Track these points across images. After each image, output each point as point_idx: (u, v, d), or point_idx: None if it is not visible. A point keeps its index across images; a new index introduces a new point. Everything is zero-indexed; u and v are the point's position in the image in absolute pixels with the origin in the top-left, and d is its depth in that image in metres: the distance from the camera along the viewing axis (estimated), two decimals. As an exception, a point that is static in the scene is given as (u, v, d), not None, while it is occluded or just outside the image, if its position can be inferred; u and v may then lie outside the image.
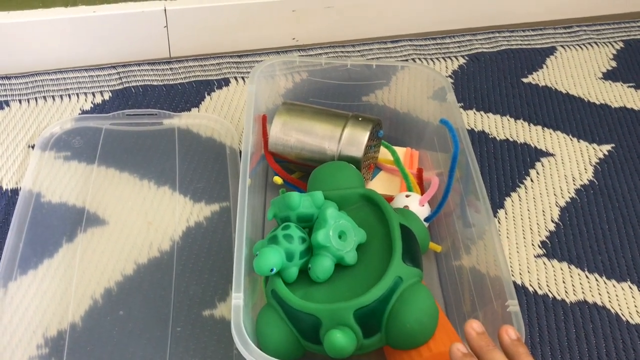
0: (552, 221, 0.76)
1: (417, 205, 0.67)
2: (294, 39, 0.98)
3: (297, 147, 0.72)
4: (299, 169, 0.76)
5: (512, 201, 0.78)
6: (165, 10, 0.89)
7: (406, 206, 0.67)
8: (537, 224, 0.75)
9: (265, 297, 0.60)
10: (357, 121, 0.71)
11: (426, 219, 0.68)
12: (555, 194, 0.79)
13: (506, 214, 0.76)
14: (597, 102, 0.92)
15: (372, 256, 0.58)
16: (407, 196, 0.68)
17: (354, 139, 0.70)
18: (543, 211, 0.77)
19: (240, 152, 0.78)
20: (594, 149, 0.85)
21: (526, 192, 0.79)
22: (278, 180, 0.73)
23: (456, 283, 0.65)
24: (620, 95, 0.93)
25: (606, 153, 0.85)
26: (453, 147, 0.67)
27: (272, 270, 0.55)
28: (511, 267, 0.70)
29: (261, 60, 0.94)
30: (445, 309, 0.65)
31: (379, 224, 0.59)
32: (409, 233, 0.59)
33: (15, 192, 0.74)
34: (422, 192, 0.73)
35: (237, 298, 0.52)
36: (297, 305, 0.54)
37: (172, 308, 0.63)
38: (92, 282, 0.65)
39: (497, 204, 0.77)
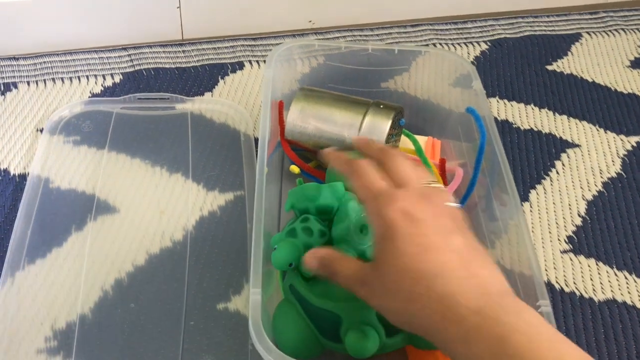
0: (579, 215, 0.73)
1: (441, 198, 0.64)
2: (310, 21, 0.95)
3: (315, 135, 0.69)
4: (316, 158, 0.73)
5: (537, 194, 0.75)
6: (178, -10, 0.86)
7: (429, 198, 0.64)
8: (563, 218, 0.72)
9: (282, 291, 0.57)
10: (378, 109, 0.68)
11: (450, 212, 0.65)
12: (581, 187, 0.76)
13: (531, 207, 0.73)
14: (625, 92, 0.89)
15: None
16: (430, 188, 0.65)
17: (375, 128, 0.67)
18: (569, 205, 0.74)
19: (256, 139, 0.75)
20: (621, 140, 0.82)
21: (551, 185, 0.76)
22: (295, 169, 0.71)
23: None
24: (648, 85, 0.90)
25: (634, 145, 0.81)
26: (480, 137, 0.64)
27: (290, 265, 0.53)
28: (536, 262, 0.68)
29: (277, 44, 0.91)
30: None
31: None
32: None
33: (23, 177, 0.71)
34: (445, 184, 0.70)
35: (256, 294, 0.49)
36: (317, 302, 0.52)
37: (185, 301, 0.61)
38: (102, 273, 0.63)
39: (521, 197, 0.74)
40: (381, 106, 0.68)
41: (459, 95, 0.73)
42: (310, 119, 0.69)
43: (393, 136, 0.71)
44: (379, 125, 0.67)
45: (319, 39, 0.93)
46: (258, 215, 0.54)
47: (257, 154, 0.67)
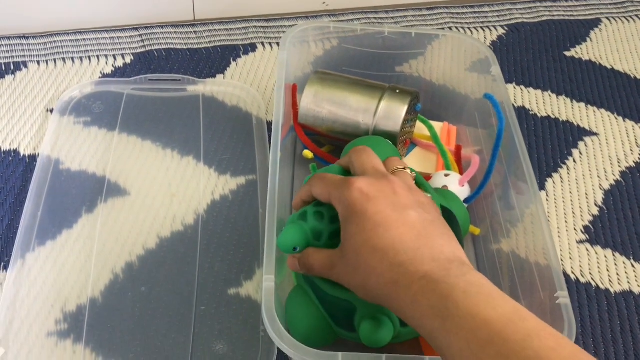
0: (596, 205, 0.71)
1: (457, 186, 0.63)
2: (324, 3, 0.93)
3: (329, 120, 0.68)
4: (329, 143, 0.72)
5: (554, 182, 0.73)
6: (190, -31, 0.85)
7: (445, 186, 0.63)
8: (580, 207, 0.71)
9: (293, 277, 0.57)
10: (394, 93, 0.67)
11: (466, 200, 0.64)
12: (599, 176, 0.74)
13: (547, 196, 0.72)
14: (645, 79, 0.87)
15: None
16: (446, 175, 0.64)
17: (390, 113, 0.66)
18: (586, 194, 0.72)
19: (269, 123, 0.74)
20: (640, 129, 0.80)
21: (568, 174, 0.74)
22: (308, 154, 0.70)
23: (495, 268, 0.61)
24: (669, 73, 0.88)
25: (654, 134, 0.80)
26: (498, 124, 0.62)
27: (295, 249, 0.51)
28: (552, 252, 0.66)
29: (290, 25, 0.89)
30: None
31: None
32: (450, 215, 0.55)
33: (33, 158, 0.71)
34: (461, 171, 0.69)
35: (269, 280, 0.49)
36: (331, 291, 0.51)
37: (197, 285, 0.60)
38: (112, 255, 0.62)
39: (538, 185, 0.73)
40: (397, 91, 0.67)
41: (476, 81, 0.72)
42: (325, 103, 0.68)
43: (409, 121, 0.69)
44: (394, 110, 0.66)
45: (333, 21, 0.91)
46: (271, 201, 0.54)
47: (269, 138, 0.66)
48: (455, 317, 0.38)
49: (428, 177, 0.66)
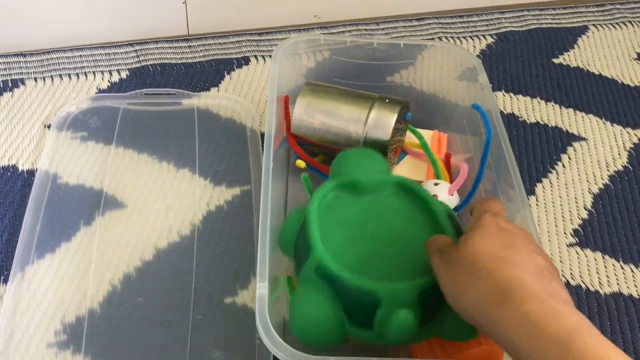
0: (585, 209, 0.73)
1: (447, 194, 0.64)
2: (316, 16, 0.95)
3: (321, 130, 0.69)
4: (322, 152, 0.73)
5: (544, 187, 0.75)
6: (183, -15, 0.87)
7: (435, 195, 0.64)
8: (570, 211, 0.72)
9: (287, 290, 0.57)
10: (384, 103, 0.68)
11: (456, 209, 0.65)
12: (588, 180, 0.76)
13: (537, 200, 0.73)
14: (632, 84, 0.88)
15: (415, 243, 0.54)
16: (435, 184, 0.65)
17: (380, 122, 0.67)
18: (575, 198, 0.74)
19: (262, 134, 0.76)
20: (628, 133, 0.82)
21: (558, 178, 0.76)
22: (301, 164, 0.71)
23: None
24: (655, 77, 0.90)
25: (641, 138, 0.81)
26: (486, 134, 0.64)
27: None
28: (542, 256, 0.68)
29: (282, 39, 0.91)
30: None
31: (418, 212, 0.57)
32: (454, 219, 0.56)
33: (31, 173, 0.72)
34: (450, 179, 0.70)
35: (262, 288, 0.50)
36: (355, 280, 0.50)
37: (193, 295, 0.62)
38: (110, 267, 0.63)
39: (527, 190, 0.74)
40: (387, 100, 0.69)
41: (465, 89, 0.73)
42: (316, 114, 0.69)
43: (399, 130, 0.71)
44: (384, 120, 0.67)
45: (325, 34, 0.93)
46: (264, 210, 0.55)
47: (263, 149, 0.67)
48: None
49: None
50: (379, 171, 0.61)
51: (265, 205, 0.55)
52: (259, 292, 0.49)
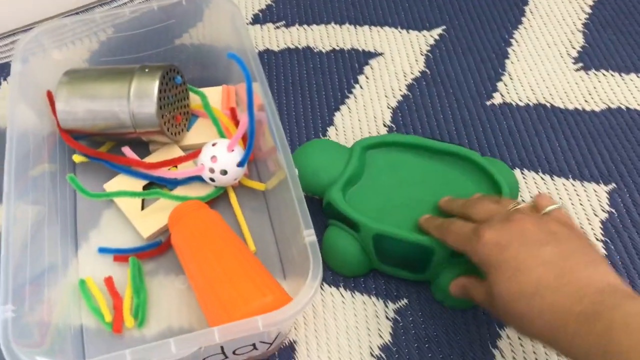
0: (385, 125, 0.71)
1: (227, 152, 0.61)
2: (88, -5, 0.88)
3: (88, 118, 0.65)
4: (108, 139, 0.69)
5: (342, 114, 0.73)
6: None
7: (214, 157, 0.61)
8: (369, 131, 0.71)
9: (84, 296, 0.54)
10: (143, 73, 0.64)
11: (240, 164, 0.62)
12: (386, 96, 0.74)
13: (336, 129, 0.71)
14: (424, -15, 0.86)
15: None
16: (213, 145, 0.62)
17: (143, 93, 0.63)
18: (374, 116, 0.72)
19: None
20: (424, 36, 0.80)
21: (356, 101, 0.74)
22: (78, 158, 0.66)
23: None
24: (447, -28, 0.88)
25: (437, 38, 0.80)
26: (246, 81, 0.60)
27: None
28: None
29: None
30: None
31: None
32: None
33: None
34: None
35: (7, 310, 0.46)
36: (413, 237, 0.54)
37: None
38: None
39: (326, 122, 0.72)
40: (146, 70, 0.64)
41: (233, 38, 0.69)
42: (78, 101, 0.64)
43: (172, 97, 0.67)
44: (146, 89, 0.63)
45: (74, 14, 0.86)
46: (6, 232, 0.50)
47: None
48: (620, 355, 0.37)
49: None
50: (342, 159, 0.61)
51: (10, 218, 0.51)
52: (2, 316, 0.46)
